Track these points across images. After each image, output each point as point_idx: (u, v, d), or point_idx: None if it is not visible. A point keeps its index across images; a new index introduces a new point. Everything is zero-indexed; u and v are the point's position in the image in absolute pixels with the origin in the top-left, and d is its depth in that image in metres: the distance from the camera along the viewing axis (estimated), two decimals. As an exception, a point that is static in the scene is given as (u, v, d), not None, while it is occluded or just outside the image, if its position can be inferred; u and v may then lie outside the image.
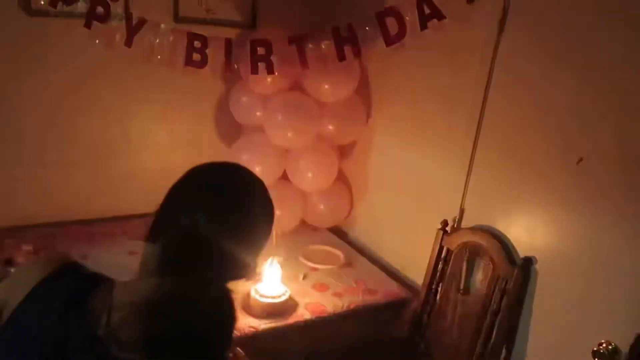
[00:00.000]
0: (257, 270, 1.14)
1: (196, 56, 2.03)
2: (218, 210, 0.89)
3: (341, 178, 2.75)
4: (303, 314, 1.93)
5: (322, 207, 2.67)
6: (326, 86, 2.37)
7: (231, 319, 0.88)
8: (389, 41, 1.95)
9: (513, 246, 1.88)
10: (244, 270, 0.95)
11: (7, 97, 2.26)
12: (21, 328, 0.81)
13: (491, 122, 1.94)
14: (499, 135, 1.92)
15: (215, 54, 2.12)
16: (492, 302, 1.89)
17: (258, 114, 2.50)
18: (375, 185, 2.65)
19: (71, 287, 0.85)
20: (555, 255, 1.74)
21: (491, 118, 1.94)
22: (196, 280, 0.86)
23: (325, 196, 2.66)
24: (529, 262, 1.80)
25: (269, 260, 1.97)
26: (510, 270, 1.83)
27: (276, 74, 2.11)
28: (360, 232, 2.78)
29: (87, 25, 1.98)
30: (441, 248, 2.10)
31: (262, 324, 1.83)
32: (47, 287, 0.84)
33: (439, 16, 1.88)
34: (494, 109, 1.92)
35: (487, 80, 1.91)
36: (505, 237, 1.91)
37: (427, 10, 1.88)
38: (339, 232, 2.81)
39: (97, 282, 0.85)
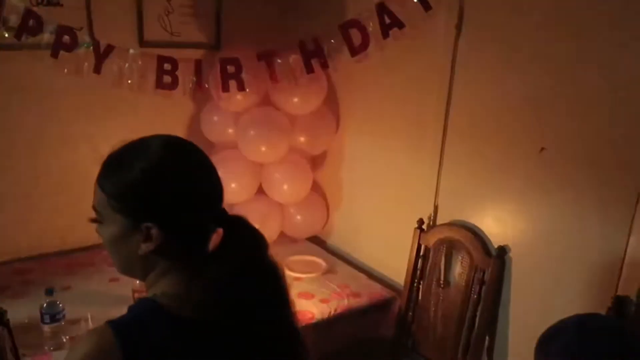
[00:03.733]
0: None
1: (167, 78, 2.06)
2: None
3: (315, 188, 2.81)
4: (292, 322, 1.96)
5: (299, 217, 2.72)
6: (295, 99, 2.44)
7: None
8: (353, 51, 2.04)
9: (487, 237, 1.98)
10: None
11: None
12: None
13: (456, 121, 2.05)
14: (465, 132, 2.02)
15: (185, 75, 2.17)
16: (472, 292, 1.97)
17: (230, 131, 2.54)
18: (350, 192, 2.72)
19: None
20: (526, 242, 1.85)
21: (456, 117, 2.05)
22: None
23: (301, 207, 2.71)
24: (503, 251, 1.90)
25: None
26: (486, 260, 1.93)
27: (247, 90, 2.16)
28: (338, 239, 2.83)
29: (54, 54, 1.99)
30: (419, 246, 2.18)
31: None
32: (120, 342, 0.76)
33: (399, 25, 1.98)
34: (458, 108, 2.03)
35: (449, 81, 2.02)
36: (479, 229, 2.01)
37: (387, 20, 1.98)
38: (317, 241, 2.86)
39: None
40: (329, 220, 2.85)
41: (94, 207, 0.86)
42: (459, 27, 1.95)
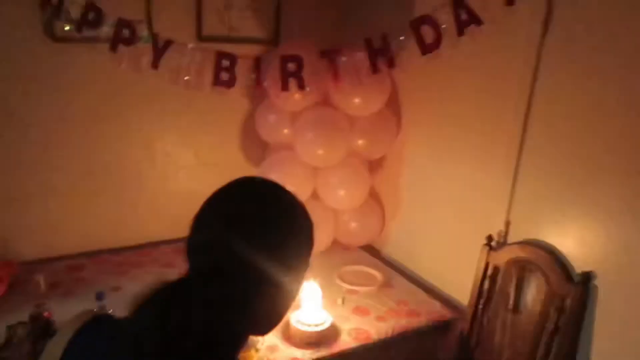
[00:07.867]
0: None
1: (224, 75, 1.97)
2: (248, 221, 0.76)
3: (372, 194, 2.65)
4: (348, 341, 1.83)
5: (354, 225, 2.58)
6: (357, 100, 2.29)
7: None
8: (424, 50, 1.87)
9: (568, 261, 1.76)
10: (286, 301, 0.82)
11: (33, 125, 2.21)
12: None
13: (537, 130, 1.84)
14: (546, 141, 1.81)
15: (242, 73, 2.07)
16: (548, 321, 1.77)
17: (285, 131, 2.42)
18: (409, 200, 2.55)
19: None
20: (617, 269, 1.62)
21: (536, 125, 1.84)
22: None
23: (356, 214, 2.57)
24: (587, 277, 1.68)
25: (306, 283, 1.88)
26: (567, 287, 1.72)
27: (307, 89, 2.03)
28: (394, 249, 2.67)
29: (113, 48, 1.94)
30: (487, 265, 1.99)
31: (307, 355, 1.73)
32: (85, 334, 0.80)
33: (477, 21, 1.80)
34: (540, 113, 1.82)
35: (531, 84, 1.82)
36: (559, 251, 1.79)
37: (464, 17, 1.80)
38: (371, 250, 2.71)
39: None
40: (385, 229, 2.69)
41: None
42: (546, 24, 1.75)
